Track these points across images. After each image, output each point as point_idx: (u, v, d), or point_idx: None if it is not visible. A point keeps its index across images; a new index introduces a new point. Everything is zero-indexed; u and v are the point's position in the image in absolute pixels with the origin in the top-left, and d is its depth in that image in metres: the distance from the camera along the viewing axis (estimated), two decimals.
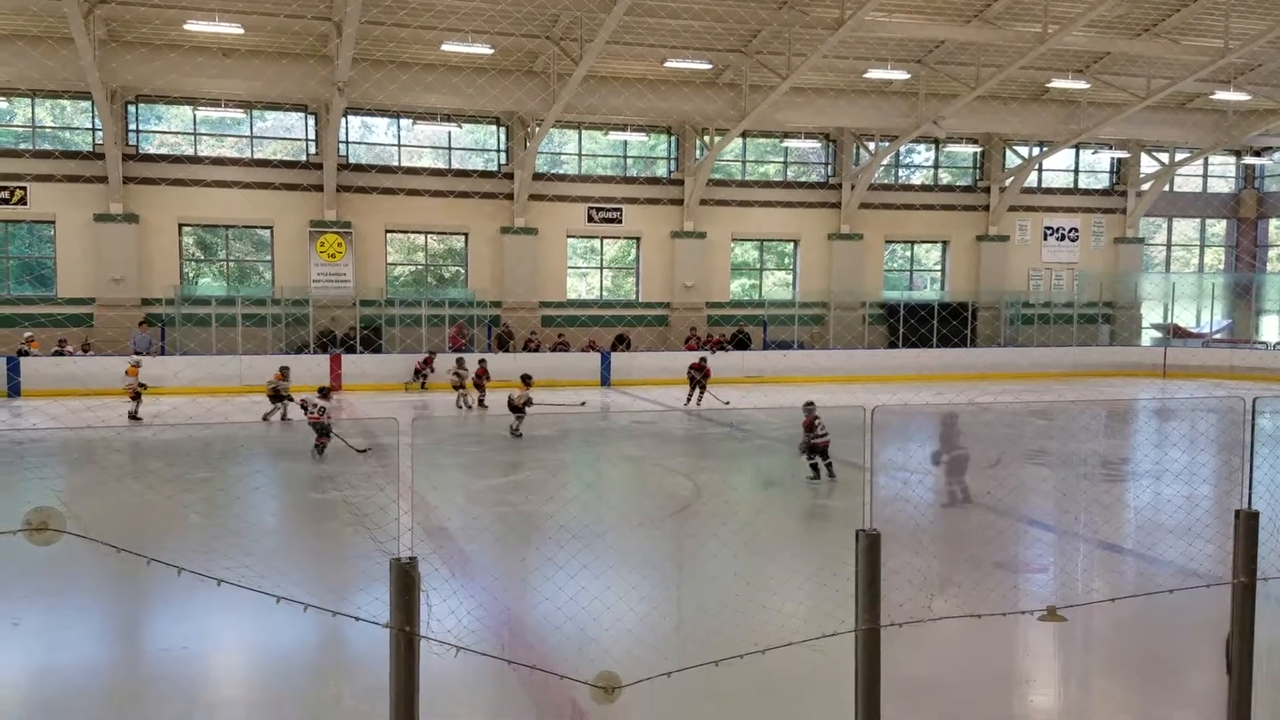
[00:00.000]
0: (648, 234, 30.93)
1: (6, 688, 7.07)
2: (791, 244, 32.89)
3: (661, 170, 31.45)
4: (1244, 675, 4.88)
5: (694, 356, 24.07)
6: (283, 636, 7.78)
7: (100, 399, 22.04)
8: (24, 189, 25.96)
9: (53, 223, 26.41)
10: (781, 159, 33.00)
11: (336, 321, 27.90)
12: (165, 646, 7.81)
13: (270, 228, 28.15)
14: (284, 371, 19.60)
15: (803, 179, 32.97)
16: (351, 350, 26.93)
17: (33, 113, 26.57)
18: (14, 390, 23.19)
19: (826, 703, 6.06)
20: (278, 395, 19.12)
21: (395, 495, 11.54)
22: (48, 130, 27.01)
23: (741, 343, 30.25)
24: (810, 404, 12.76)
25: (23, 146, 26.34)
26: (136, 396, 20.02)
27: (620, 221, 30.73)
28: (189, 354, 25.37)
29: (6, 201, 25.86)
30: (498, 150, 30.07)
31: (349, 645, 7.61)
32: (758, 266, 33.25)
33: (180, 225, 27.39)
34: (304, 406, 15.19)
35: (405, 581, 3.81)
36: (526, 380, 17.73)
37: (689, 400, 22.23)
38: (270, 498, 13.61)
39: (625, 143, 30.91)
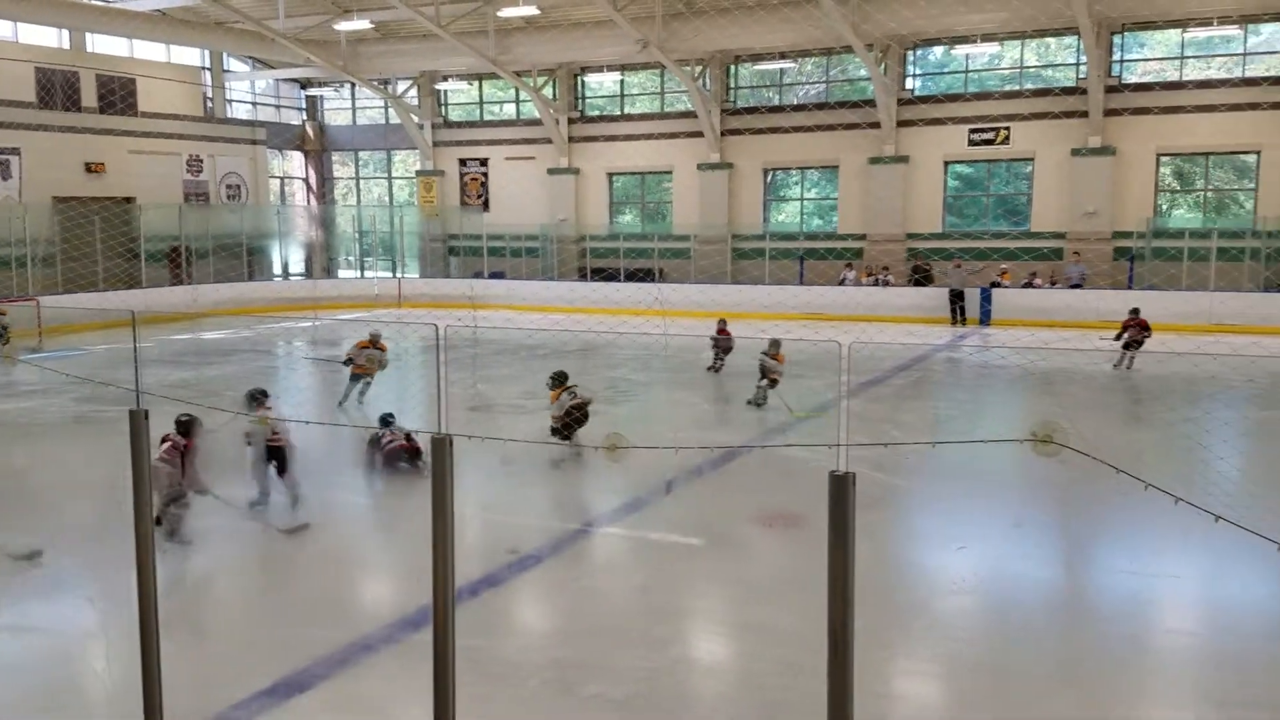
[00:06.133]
0: None
1: (1001, 579, 7.70)
2: None
3: None
4: None
5: None
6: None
7: (1067, 330, 22.56)
8: (1007, 129, 27.53)
9: (1030, 160, 27.60)
10: None
11: None
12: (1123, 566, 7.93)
13: (1257, 153, 25.34)
14: None
15: None
16: None
17: (1021, 54, 27.98)
18: (984, 318, 25.02)
19: None
20: None
21: None
22: (1030, 70, 28.19)
23: None
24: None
25: (1007, 88, 27.98)
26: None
27: None
28: (1152, 289, 24.35)
29: (990, 142, 27.79)
30: None
31: None
32: None
33: (1158, 155, 26.32)
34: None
35: None
36: None
37: None
38: None
39: None
